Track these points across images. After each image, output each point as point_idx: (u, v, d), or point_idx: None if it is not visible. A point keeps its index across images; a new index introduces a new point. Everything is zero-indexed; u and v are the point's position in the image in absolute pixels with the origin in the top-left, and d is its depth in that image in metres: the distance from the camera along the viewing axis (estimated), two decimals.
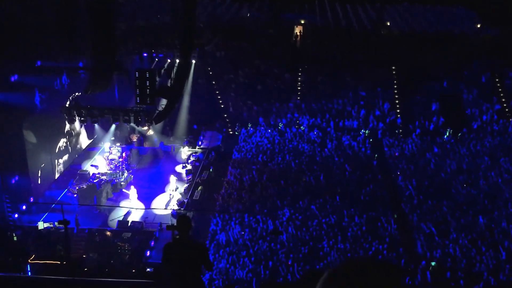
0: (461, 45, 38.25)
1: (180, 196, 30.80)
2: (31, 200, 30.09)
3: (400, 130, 37.30)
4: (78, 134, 36.64)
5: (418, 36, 39.80)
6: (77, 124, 32.69)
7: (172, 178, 31.78)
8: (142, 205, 30.38)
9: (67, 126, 33.57)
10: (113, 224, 28.23)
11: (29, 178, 29.86)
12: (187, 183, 32.41)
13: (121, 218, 28.59)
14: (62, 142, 34.24)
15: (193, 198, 30.64)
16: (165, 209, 29.78)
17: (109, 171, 32.88)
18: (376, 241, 24.78)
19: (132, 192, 30.81)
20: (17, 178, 28.62)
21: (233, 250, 24.42)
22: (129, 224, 27.97)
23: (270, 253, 23.92)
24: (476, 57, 39.66)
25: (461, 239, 24.68)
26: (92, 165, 34.02)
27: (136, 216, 29.26)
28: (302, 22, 42.91)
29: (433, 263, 23.11)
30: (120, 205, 30.55)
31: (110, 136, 37.24)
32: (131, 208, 30.02)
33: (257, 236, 25.36)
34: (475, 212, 27.11)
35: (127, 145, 36.94)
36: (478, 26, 45.00)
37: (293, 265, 22.88)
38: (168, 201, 30.69)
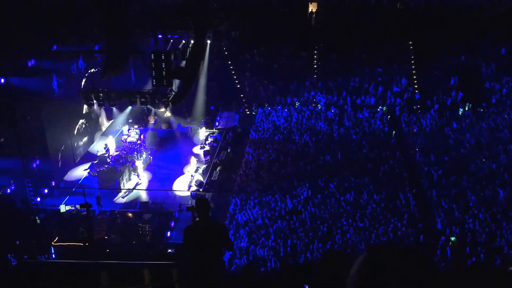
0: (479, 18, 37.68)
1: (200, 177, 30.94)
2: (53, 184, 30.43)
3: (418, 106, 37.05)
4: (97, 117, 36.91)
5: (435, 10, 39.21)
6: (96, 108, 32.89)
7: (193, 159, 31.92)
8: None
9: (85, 108, 33.74)
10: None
11: (50, 161, 30.22)
12: (205, 164, 32.55)
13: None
14: (81, 125, 34.50)
15: (212, 178, 30.78)
16: (186, 190, 29.95)
17: (124, 154, 32.91)
18: (395, 217, 24.78)
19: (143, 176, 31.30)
20: (38, 162, 28.96)
21: (253, 229, 24.57)
22: (149, 204, 28.31)
23: (289, 232, 24.03)
24: (495, 30, 39.07)
25: (481, 214, 24.60)
26: (105, 148, 34.10)
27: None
28: None
29: (452, 239, 23.07)
30: (138, 188, 30.87)
31: (127, 118, 37.41)
32: (148, 190, 30.40)
33: (276, 215, 25.46)
34: (494, 186, 26.97)
35: (144, 127, 37.09)
36: None
37: (313, 242, 22.97)
38: (189, 182, 30.86)
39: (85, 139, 35.05)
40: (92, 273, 7.63)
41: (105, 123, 38.36)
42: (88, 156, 34.34)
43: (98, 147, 34.67)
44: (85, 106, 32.77)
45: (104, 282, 7.30)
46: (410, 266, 2.40)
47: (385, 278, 2.36)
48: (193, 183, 30.51)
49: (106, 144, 33.59)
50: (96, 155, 33.33)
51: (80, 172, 32.78)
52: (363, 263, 2.46)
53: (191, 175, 31.16)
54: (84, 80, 32.91)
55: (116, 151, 33.42)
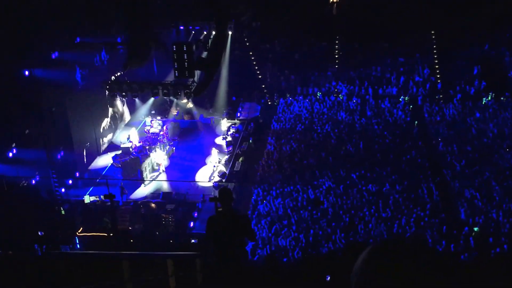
0: (502, 6, 37.25)
1: (222, 168, 31.10)
2: (77, 175, 30.77)
3: (441, 96, 36.80)
4: (121, 115, 37.23)
5: None
6: (119, 105, 33.27)
7: (214, 151, 32.07)
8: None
9: (110, 111, 34.21)
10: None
11: (74, 152, 30.53)
12: (227, 155, 32.71)
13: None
14: (106, 123, 34.87)
15: (234, 169, 30.92)
16: (208, 181, 30.13)
17: (147, 145, 33.12)
18: (417, 208, 24.73)
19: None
20: (62, 153, 29.27)
21: (275, 219, 24.67)
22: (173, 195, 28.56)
23: (312, 222, 24.10)
24: None
25: (504, 204, 24.45)
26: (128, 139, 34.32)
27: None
28: None
29: (475, 229, 22.98)
30: (160, 180, 31.10)
31: (150, 109, 37.65)
32: (171, 181, 30.61)
33: (298, 205, 25.54)
34: None
35: (167, 119, 37.31)
36: None
37: (335, 233, 23.03)
38: (211, 173, 31.02)
39: (109, 135, 35.40)
40: (115, 263, 7.75)
41: (128, 115, 38.65)
42: (112, 147, 34.65)
43: (121, 138, 34.94)
44: (110, 99, 33.16)
45: (127, 272, 7.41)
46: (416, 262, 2.43)
47: (389, 274, 2.40)
48: (215, 174, 30.66)
49: (129, 135, 33.80)
50: (120, 146, 33.59)
51: (106, 160, 33.17)
52: (366, 259, 2.49)
53: (214, 166, 31.29)
54: (111, 73, 33.14)
55: (139, 142, 33.63)
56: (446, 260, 2.42)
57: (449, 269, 2.41)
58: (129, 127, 36.63)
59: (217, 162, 31.48)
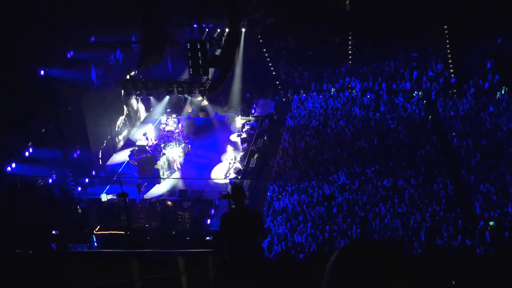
0: None
1: (238, 165, 31.25)
2: (93, 173, 31.04)
3: (454, 90, 36.68)
4: (136, 113, 37.48)
5: None
6: (133, 100, 33.44)
7: (229, 148, 32.24)
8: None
9: (125, 110, 34.49)
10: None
11: (90, 151, 30.81)
12: (242, 152, 32.85)
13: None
14: (121, 121, 35.15)
15: (249, 166, 31.06)
16: (224, 178, 30.29)
17: (163, 143, 33.33)
18: (433, 202, 24.73)
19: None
20: (78, 152, 29.55)
21: (291, 216, 24.77)
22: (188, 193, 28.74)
23: (327, 218, 24.18)
24: None
25: None
26: (144, 136, 34.45)
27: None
28: None
29: (491, 223, 22.93)
30: (176, 178, 31.31)
31: (165, 107, 37.87)
32: (186, 179, 30.81)
33: (314, 201, 25.63)
34: None
35: (182, 117, 37.49)
36: None
37: (351, 228, 23.10)
38: (227, 170, 31.20)
39: (125, 132, 35.68)
40: (125, 261, 7.85)
41: (144, 113, 38.91)
42: (128, 144, 34.95)
43: (137, 136, 35.20)
44: (125, 108, 33.46)
45: (136, 270, 7.52)
46: (386, 262, 2.45)
47: (359, 274, 2.43)
48: (231, 171, 30.81)
49: (145, 132, 34.04)
50: (135, 143, 33.81)
51: (122, 157, 33.58)
52: (336, 259, 2.52)
53: (229, 163, 31.45)
54: (126, 71, 33.37)
55: (155, 140, 33.88)
56: (415, 263, 2.46)
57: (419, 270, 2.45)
58: (145, 125, 36.90)
59: (233, 159, 31.61)
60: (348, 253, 2.54)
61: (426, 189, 25.98)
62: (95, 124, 31.29)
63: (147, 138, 33.47)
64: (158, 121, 37.37)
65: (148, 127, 35.51)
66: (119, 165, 32.87)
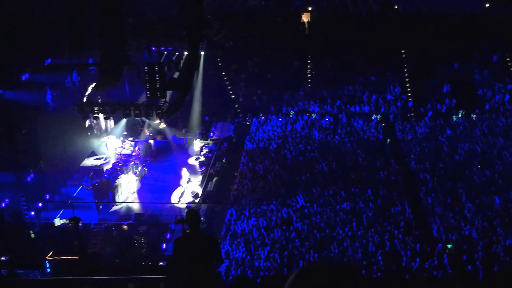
0: (471, 26, 37.91)
1: (194, 188, 30.91)
2: (47, 197, 30.37)
3: (412, 114, 37.13)
4: (96, 129, 36.85)
5: (427, 18, 39.46)
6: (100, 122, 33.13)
7: (184, 171, 31.90)
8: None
9: (86, 123, 33.97)
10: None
11: (44, 175, 30.13)
12: (201, 175, 32.55)
13: None
14: (79, 136, 34.61)
15: (207, 189, 30.76)
16: (178, 202, 29.93)
17: (119, 167, 32.87)
18: (391, 225, 24.78)
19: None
20: (32, 175, 28.89)
21: (249, 239, 24.53)
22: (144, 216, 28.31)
23: (286, 242, 24.00)
24: (486, 37, 39.32)
25: (477, 221, 24.60)
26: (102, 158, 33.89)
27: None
28: (309, 8, 42.70)
29: (449, 246, 23.08)
30: (132, 202, 30.85)
31: (122, 130, 37.42)
32: (142, 203, 30.39)
33: (272, 225, 25.45)
34: (490, 193, 26.99)
35: (139, 139, 37.09)
36: (487, 5, 44.60)
37: (309, 252, 22.96)
38: (181, 193, 30.78)
39: (81, 152, 35.09)
40: None
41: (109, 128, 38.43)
42: (83, 170, 34.21)
43: (92, 160, 34.66)
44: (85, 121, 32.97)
45: None
46: (343, 284, 2.40)
47: None
48: (186, 195, 30.47)
49: (106, 143, 33.84)
50: (91, 168, 33.28)
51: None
52: (293, 281, 2.47)
53: (185, 188, 31.09)
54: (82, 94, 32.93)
55: (116, 154, 33.53)
56: (373, 286, 2.42)
57: None
58: (104, 146, 36.38)
59: (187, 182, 31.28)
60: (305, 275, 2.52)
61: (384, 212, 26.05)
62: (50, 147, 30.64)
63: (105, 158, 33.03)
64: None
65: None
66: (73, 190, 32.19)
